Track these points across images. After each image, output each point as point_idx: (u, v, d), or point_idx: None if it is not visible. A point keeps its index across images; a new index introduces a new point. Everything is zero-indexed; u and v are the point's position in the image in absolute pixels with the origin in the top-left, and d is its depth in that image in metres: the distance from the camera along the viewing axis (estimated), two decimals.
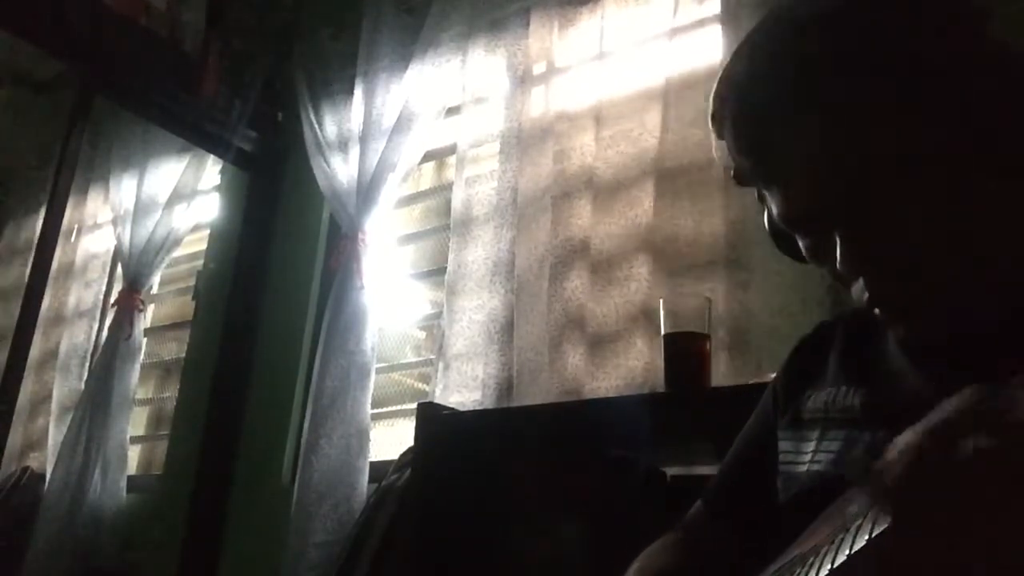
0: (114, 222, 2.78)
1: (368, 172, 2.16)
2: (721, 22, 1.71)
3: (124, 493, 2.47)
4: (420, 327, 2.42)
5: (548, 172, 1.85)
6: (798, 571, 0.53)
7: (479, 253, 1.92)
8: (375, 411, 2.09)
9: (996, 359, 0.47)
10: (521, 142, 1.93)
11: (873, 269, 0.62)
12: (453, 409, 1.63)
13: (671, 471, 1.41)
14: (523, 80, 2.00)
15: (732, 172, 0.71)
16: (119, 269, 2.82)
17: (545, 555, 1.32)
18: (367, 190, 2.16)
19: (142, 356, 2.64)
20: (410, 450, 1.69)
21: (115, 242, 2.79)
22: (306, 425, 2.01)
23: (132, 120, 2.80)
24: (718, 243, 1.60)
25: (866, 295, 0.62)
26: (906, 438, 0.44)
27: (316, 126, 2.35)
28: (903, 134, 0.59)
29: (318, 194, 2.33)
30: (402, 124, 2.15)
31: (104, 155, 2.93)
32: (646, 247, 1.68)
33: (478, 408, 1.75)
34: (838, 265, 0.62)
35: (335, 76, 2.40)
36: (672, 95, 1.73)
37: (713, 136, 0.71)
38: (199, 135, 2.52)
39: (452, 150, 2.11)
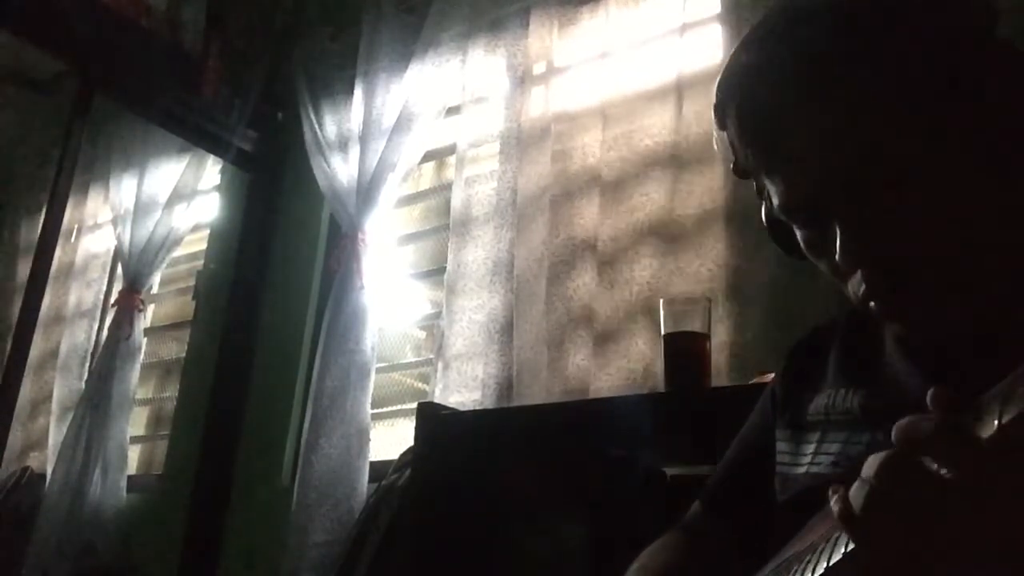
0: (114, 222, 2.78)
1: (368, 172, 2.16)
2: (721, 21, 1.71)
3: (124, 493, 2.46)
4: (420, 327, 2.42)
5: (548, 172, 1.85)
6: (795, 569, 0.53)
7: (479, 253, 1.92)
8: (375, 411, 2.09)
9: (994, 357, 0.47)
10: (521, 142, 1.93)
11: (872, 262, 0.61)
12: (453, 409, 1.63)
13: (671, 471, 1.41)
14: (523, 80, 2.00)
15: (733, 164, 0.71)
16: (119, 269, 2.82)
17: (545, 555, 1.32)
18: (367, 190, 2.16)
19: (142, 356, 2.64)
20: (410, 450, 1.69)
21: (115, 242, 2.79)
22: (306, 425, 2.01)
23: (132, 120, 2.80)
24: (719, 243, 1.60)
25: (863, 288, 0.62)
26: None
27: (316, 126, 2.35)
28: (906, 129, 0.59)
29: (318, 194, 2.33)
30: (402, 124, 2.15)
31: (104, 155, 2.92)
32: (650, 246, 1.68)
33: (478, 408, 1.75)
34: (836, 258, 0.62)
35: (335, 76, 2.40)
36: (676, 93, 1.73)
37: (715, 127, 0.71)
38: (199, 135, 2.52)
39: (452, 150, 2.12)
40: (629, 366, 1.62)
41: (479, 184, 2.00)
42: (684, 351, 1.35)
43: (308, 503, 1.91)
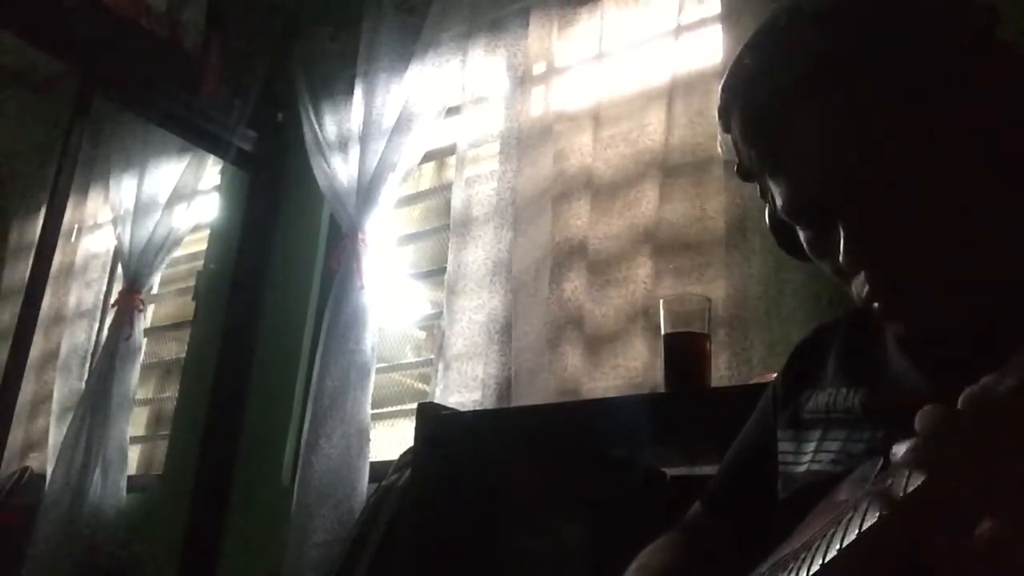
0: (114, 222, 2.78)
1: (368, 172, 2.16)
2: (721, 22, 1.71)
3: (124, 493, 2.46)
4: (420, 327, 2.42)
5: (547, 172, 1.85)
6: (792, 566, 0.53)
7: (479, 253, 1.92)
8: (375, 411, 2.09)
9: (994, 356, 0.47)
10: (521, 142, 1.93)
11: (875, 262, 0.61)
12: (453, 409, 1.63)
13: (671, 471, 1.41)
14: (523, 80, 2.00)
15: (736, 167, 0.72)
16: (119, 269, 2.82)
17: (545, 555, 1.32)
18: (367, 190, 2.16)
19: (142, 356, 2.64)
20: (410, 450, 1.69)
21: (115, 242, 2.79)
22: (306, 425, 2.01)
23: (132, 120, 2.80)
24: (718, 243, 1.60)
25: (866, 288, 0.62)
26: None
27: (316, 126, 2.35)
28: (906, 129, 0.60)
29: (318, 194, 2.33)
30: (402, 124, 2.15)
31: (104, 155, 2.93)
32: (646, 247, 1.68)
33: (478, 408, 1.75)
34: (840, 258, 0.62)
35: (335, 76, 2.40)
36: (674, 95, 1.73)
37: (719, 130, 0.72)
38: (199, 135, 2.52)
39: (452, 150, 2.12)
40: (629, 366, 1.62)
41: (479, 184, 2.00)
42: (684, 351, 1.35)
43: (308, 503, 1.91)
